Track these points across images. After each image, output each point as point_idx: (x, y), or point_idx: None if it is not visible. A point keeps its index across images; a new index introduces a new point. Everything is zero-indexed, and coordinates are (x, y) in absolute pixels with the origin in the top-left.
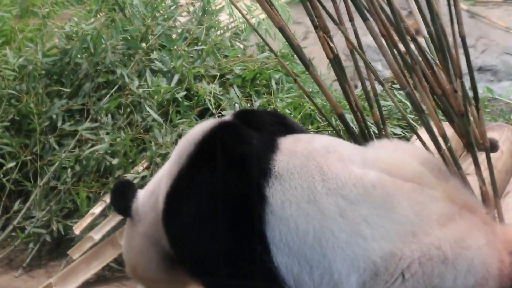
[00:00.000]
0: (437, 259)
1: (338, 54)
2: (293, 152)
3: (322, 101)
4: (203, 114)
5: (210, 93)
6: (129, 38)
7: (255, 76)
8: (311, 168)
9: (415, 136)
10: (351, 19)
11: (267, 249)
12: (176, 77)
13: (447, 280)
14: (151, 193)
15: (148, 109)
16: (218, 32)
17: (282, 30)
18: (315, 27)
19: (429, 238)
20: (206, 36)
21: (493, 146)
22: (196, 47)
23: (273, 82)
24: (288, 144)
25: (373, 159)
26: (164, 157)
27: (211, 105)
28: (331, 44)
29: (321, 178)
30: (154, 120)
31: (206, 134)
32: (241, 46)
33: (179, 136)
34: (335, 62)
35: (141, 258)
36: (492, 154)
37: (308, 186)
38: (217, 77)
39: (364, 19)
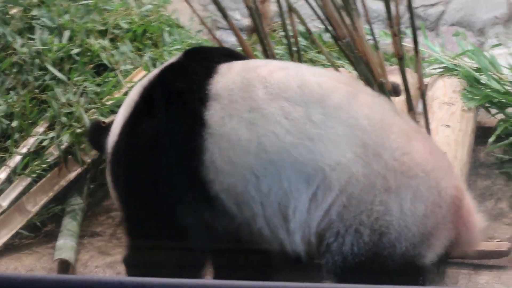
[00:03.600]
0: (380, 188)
1: (257, 2)
2: (232, 70)
3: None
4: (99, 70)
5: (104, 48)
6: None
7: (145, 30)
8: (252, 78)
9: None
10: None
11: (205, 179)
12: (66, 34)
13: (392, 208)
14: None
15: (49, 67)
16: None
17: None
18: None
19: (377, 164)
20: None
21: (395, 91)
22: (81, 2)
23: (165, 35)
24: (226, 66)
25: (319, 71)
26: (70, 116)
27: (108, 60)
28: None
29: (263, 86)
30: (52, 78)
31: (150, 79)
32: None
33: (82, 94)
34: (254, 11)
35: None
36: (397, 98)
37: (249, 96)
38: (106, 32)
39: None
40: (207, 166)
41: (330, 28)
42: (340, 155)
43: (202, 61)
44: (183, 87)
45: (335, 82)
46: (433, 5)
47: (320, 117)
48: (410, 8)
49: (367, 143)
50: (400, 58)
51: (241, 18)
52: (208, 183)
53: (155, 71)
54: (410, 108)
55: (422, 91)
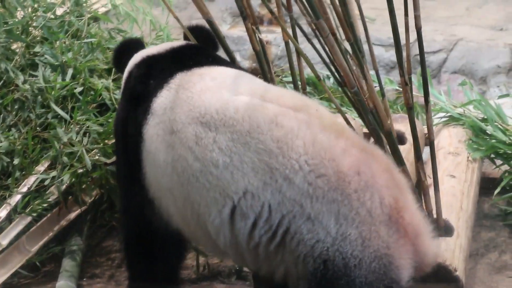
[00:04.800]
0: (301, 217)
1: (264, 46)
2: (178, 85)
3: None
4: (101, 110)
5: (107, 88)
6: (10, 31)
7: None
8: (183, 99)
9: None
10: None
11: (144, 183)
12: (69, 72)
13: (320, 235)
14: None
15: (52, 105)
16: (99, 24)
17: (211, 23)
18: (244, 19)
19: (290, 190)
20: (88, 27)
21: (400, 139)
22: (85, 40)
23: None
24: (181, 78)
25: (257, 88)
26: (71, 155)
27: (110, 100)
28: (259, 36)
29: (188, 108)
30: (54, 116)
31: (134, 64)
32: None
33: (85, 134)
34: (261, 55)
35: None
36: (401, 147)
37: (174, 118)
38: (108, 71)
39: (318, 18)
40: (144, 173)
41: (337, 75)
42: (247, 183)
43: (187, 60)
44: (140, 92)
45: (260, 102)
46: (435, 52)
47: (228, 144)
48: (422, 60)
49: (274, 168)
50: (410, 107)
51: (242, 60)
52: (146, 187)
53: (139, 54)
54: (419, 158)
55: (432, 141)
